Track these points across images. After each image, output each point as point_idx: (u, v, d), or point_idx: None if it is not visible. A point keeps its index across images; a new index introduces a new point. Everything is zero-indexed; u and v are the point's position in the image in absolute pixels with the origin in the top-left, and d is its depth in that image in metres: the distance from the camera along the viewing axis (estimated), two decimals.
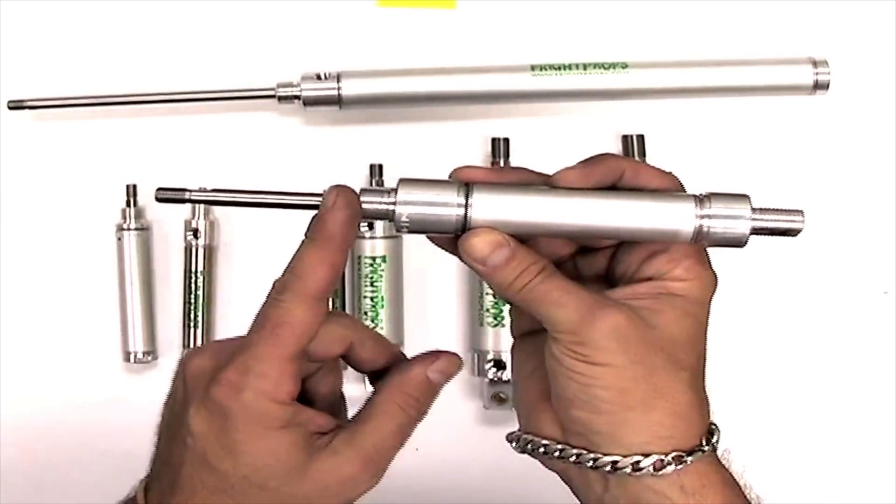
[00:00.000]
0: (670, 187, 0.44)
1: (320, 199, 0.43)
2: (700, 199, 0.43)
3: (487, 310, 0.69)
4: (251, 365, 0.41)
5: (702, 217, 0.42)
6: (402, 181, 0.42)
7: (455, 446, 0.74)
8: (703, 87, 0.70)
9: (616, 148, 0.72)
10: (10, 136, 0.73)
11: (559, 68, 0.69)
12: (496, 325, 0.69)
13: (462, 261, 0.43)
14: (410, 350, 0.73)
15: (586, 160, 0.44)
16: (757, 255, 0.74)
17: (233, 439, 0.41)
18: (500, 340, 0.69)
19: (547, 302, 0.42)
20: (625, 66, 0.69)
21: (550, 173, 0.44)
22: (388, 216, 0.42)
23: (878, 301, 0.74)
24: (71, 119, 0.72)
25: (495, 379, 0.70)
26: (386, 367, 0.46)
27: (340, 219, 0.42)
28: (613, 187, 0.43)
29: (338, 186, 0.43)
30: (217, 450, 0.41)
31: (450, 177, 0.44)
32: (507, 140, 0.70)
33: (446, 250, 0.45)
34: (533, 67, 0.69)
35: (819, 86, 0.70)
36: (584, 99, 0.70)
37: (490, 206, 0.42)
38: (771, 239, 0.44)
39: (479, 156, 0.73)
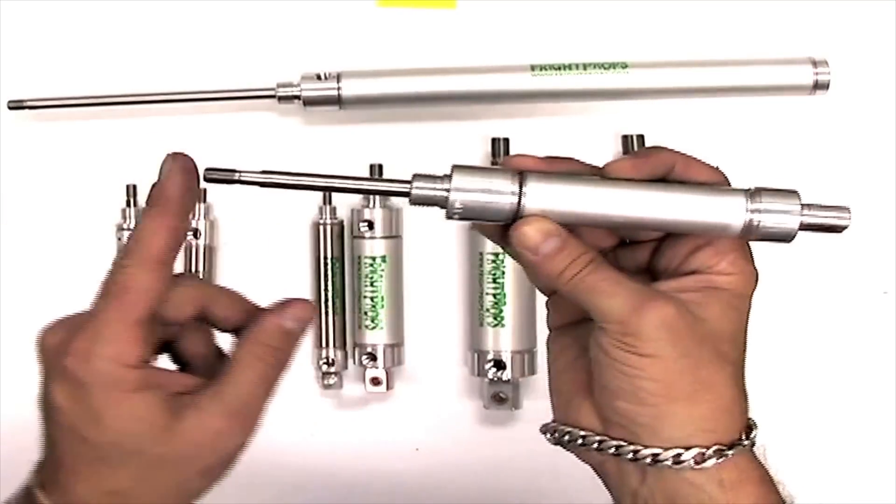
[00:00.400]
0: (719, 181, 0.44)
1: (371, 182, 0.44)
2: (751, 194, 0.43)
3: (487, 310, 0.69)
4: (98, 331, 0.42)
5: (752, 211, 0.43)
6: (456, 168, 0.43)
7: (455, 446, 0.74)
8: (703, 87, 0.70)
9: (616, 148, 0.72)
10: (10, 136, 0.73)
11: (559, 68, 0.69)
12: (496, 325, 0.69)
13: (507, 250, 0.44)
14: (410, 350, 0.74)
15: (638, 152, 0.44)
16: (756, 255, 0.74)
17: (93, 407, 0.41)
18: (500, 340, 0.69)
19: (596, 292, 0.42)
20: (625, 66, 0.69)
21: (600, 165, 0.44)
22: (441, 203, 0.42)
23: (878, 301, 0.74)
24: (71, 119, 0.72)
25: (495, 379, 0.70)
26: (247, 324, 0.46)
27: (177, 184, 0.43)
28: (663, 180, 0.43)
29: (174, 154, 0.44)
30: (82, 420, 0.42)
31: (501, 165, 0.44)
32: (507, 140, 0.70)
33: (492, 239, 0.46)
34: (533, 67, 0.69)
35: (819, 86, 0.69)
36: (584, 99, 0.70)
37: (543, 195, 0.42)
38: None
39: (479, 156, 0.73)
